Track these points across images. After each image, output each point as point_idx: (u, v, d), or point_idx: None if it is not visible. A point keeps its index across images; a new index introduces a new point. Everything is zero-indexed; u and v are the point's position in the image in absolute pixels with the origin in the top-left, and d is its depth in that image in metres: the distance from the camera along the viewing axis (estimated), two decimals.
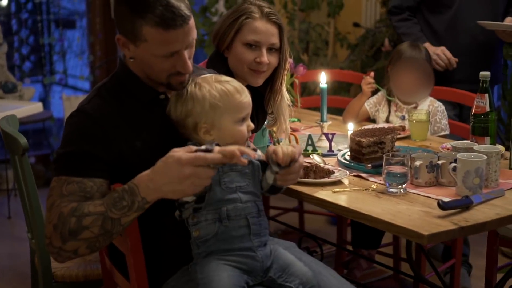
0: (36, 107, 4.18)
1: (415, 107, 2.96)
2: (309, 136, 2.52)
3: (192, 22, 1.78)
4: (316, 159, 2.39)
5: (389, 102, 3.06)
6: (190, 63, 1.81)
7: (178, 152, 1.63)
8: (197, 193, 1.69)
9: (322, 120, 2.72)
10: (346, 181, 2.19)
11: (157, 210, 1.79)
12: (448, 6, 3.33)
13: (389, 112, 3.04)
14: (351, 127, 2.62)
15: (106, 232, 1.68)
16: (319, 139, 2.65)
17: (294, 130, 2.84)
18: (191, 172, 1.61)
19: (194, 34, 1.80)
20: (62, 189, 1.73)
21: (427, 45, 3.28)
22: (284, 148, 1.79)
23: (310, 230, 3.80)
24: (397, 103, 3.04)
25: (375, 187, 2.11)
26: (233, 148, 1.62)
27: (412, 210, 1.92)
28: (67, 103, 4.69)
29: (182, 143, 1.75)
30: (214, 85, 1.81)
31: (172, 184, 1.63)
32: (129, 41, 1.77)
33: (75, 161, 1.75)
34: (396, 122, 2.98)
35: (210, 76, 1.86)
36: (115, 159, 1.77)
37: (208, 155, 1.62)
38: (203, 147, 1.64)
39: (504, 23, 3.23)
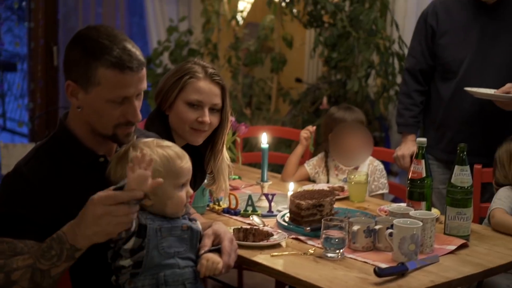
0: None
1: (356, 168, 3.01)
2: (249, 197, 2.53)
3: (145, 71, 1.80)
4: (255, 220, 2.40)
5: (327, 167, 3.09)
6: (139, 112, 1.81)
7: (96, 194, 1.63)
8: (121, 232, 1.66)
9: (262, 180, 2.73)
10: (284, 244, 2.19)
11: (92, 275, 1.76)
12: (455, 72, 3.02)
13: (328, 175, 3.08)
14: (291, 187, 2.63)
15: (36, 286, 1.64)
16: (259, 199, 2.65)
17: (234, 188, 2.84)
18: (102, 211, 1.60)
19: (145, 84, 1.81)
20: None
21: (411, 138, 3.10)
22: (209, 264, 1.79)
23: (249, 286, 3.77)
24: (338, 165, 3.08)
25: (312, 251, 2.12)
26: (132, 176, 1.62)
27: (349, 276, 1.93)
28: (4, 151, 4.59)
29: None
30: (155, 149, 1.80)
31: (91, 226, 1.62)
32: (80, 87, 1.76)
33: (6, 223, 1.72)
34: (337, 184, 3.00)
35: (152, 140, 1.85)
36: (49, 222, 1.73)
37: (117, 193, 1.62)
38: (118, 184, 1.65)
39: (491, 91, 2.81)
